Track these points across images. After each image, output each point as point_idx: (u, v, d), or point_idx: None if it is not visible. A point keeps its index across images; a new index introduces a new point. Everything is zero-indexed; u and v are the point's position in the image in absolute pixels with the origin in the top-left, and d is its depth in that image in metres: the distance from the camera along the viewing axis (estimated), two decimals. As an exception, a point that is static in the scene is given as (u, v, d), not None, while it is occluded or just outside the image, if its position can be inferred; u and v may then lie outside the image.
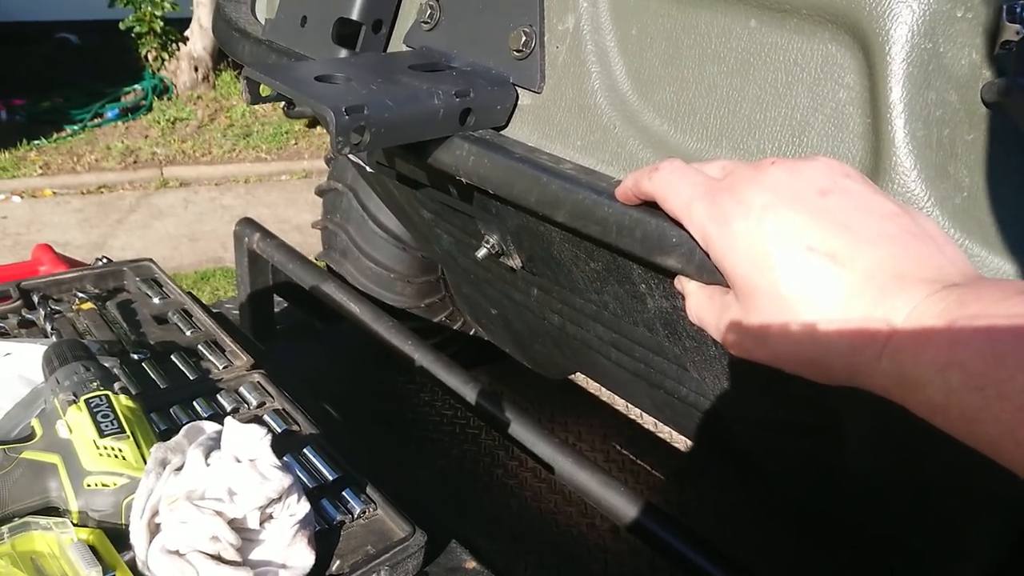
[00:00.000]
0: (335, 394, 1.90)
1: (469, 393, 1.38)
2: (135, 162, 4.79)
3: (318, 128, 5.35)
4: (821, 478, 1.17)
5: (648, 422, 1.98)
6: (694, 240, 0.54)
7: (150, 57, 5.57)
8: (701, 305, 0.57)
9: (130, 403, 0.85)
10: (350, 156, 0.78)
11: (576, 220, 0.67)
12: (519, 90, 0.79)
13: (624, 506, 1.13)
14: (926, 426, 0.44)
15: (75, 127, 5.12)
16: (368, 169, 0.77)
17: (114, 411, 0.82)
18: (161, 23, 5.38)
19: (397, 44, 0.93)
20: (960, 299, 0.42)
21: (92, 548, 0.73)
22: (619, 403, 2.04)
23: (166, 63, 5.60)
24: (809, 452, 1.07)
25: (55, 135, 5.02)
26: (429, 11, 0.86)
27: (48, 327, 1.02)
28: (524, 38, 0.77)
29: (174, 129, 5.21)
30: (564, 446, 1.25)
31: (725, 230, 0.51)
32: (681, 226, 0.55)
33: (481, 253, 0.96)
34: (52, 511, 0.78)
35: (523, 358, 1.65)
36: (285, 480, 0.75)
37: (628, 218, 0.63)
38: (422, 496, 1.53)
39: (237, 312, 1.94)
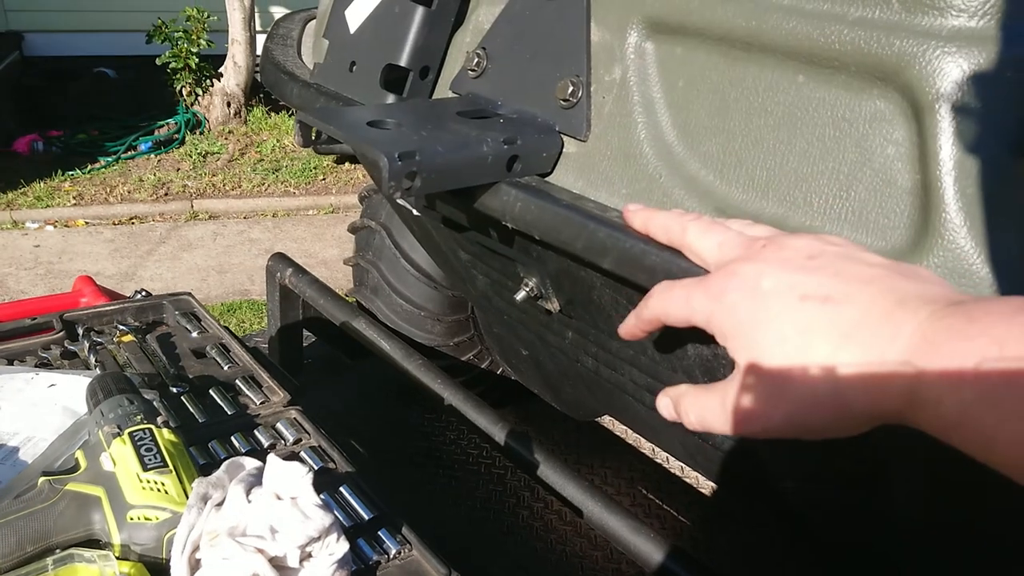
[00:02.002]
0: (361, 430, 1.90)
1: (498, 433, 1.39)
2: (166, 194, 4.88)
3: (346, 164, 5.42)
4: (857, 525, 1.16)
5: (675, 466, 1.96)
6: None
7: (184, 92, 5.68)
8: (701, 405, 0.56)
9: (172, 437, 0.86)
10: (396, 199, 0.80)
11: (623, 267, 0.68)
12: (565, 138, 0.80)
13: (653, 552, 1.12)
14: (978, 474, 0.44)
15: (109, 159, 5.22)
16: (414, 212, 0.79)
17: (157, 445, 0.84)
18: (196, 59, 5.50)
19: (443, 90, 0.95)
20: (968, 314, 0.42)
21: (133, 582, 0.73)
22: (645, 447, 2.03)
23: (200, 98, 5.71)
24: (847, 500, 1.05)
25: (89, 166, 5.12)
26: (476, 59, 0.89)
27: (92, 359, 1.03)
28: (571, 88, 0.79)
29: (205, 162, 5.30)
30: (593, 489, 1.25)
31: (724, 301, 0.53)
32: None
33: (520, 296, 0.97)
34: (93, 543, 0.79)
35: (552, 399, 1.65)
36: (326, 519, 0.75)
37: (676, 267, 0.64)
38: (448, 536, 1.53)
39: (266, 345, 1.96)
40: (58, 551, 0.77)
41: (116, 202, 4.76)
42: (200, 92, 5.69)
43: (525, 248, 0.92)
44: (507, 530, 1.75)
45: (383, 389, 2.11)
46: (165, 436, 0.85)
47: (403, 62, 0.92)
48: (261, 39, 5.96)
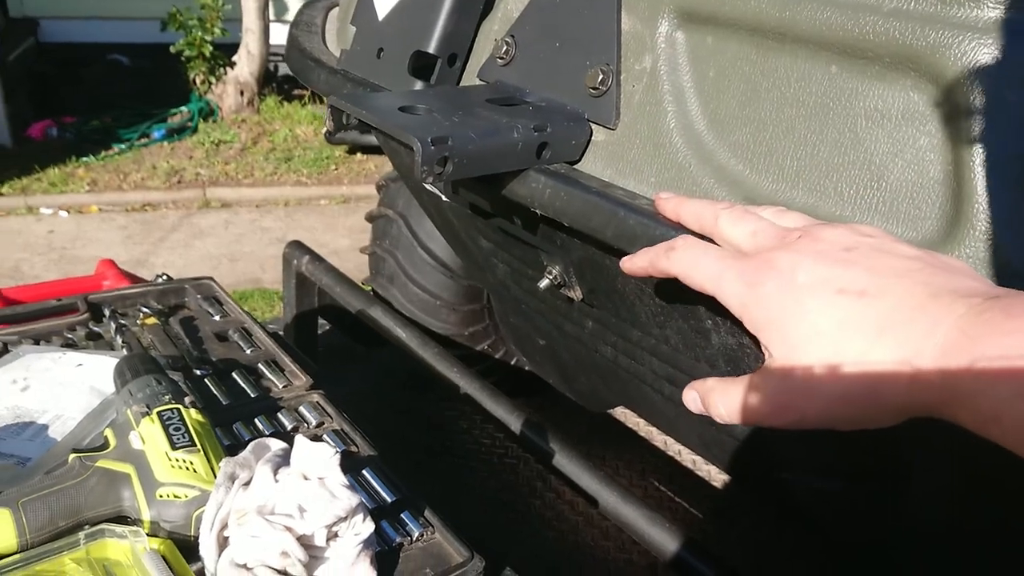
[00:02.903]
0: (373, 418, 1.91)
1: (514, 423, 1.40)
2: (179, 182, 4.89)
3: (358, 155, 5.43)
4: (872, 522, 1.17)
5: (687, 459, 1.97)
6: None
7: (198, 80, 5.70)
8: (732, 398, 0.56)
9: (200, 417, 0.87)
10: (427, 185, 0.80)
11: (653, 255, 0.68)
12: (594, 126, 0.81)
13: (667, 542, 1.13)
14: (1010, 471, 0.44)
15: (123, 146, 5.24)
16: (443, 199, 0.79)
17: (185, 424, 0.85)
18: (210, 48, 5.52)
19: (470, 78, 0.96)
20: (1006, 309, 0.42)
21: (163, 558, 0.74)
22: (658, 439, 2.03)
23: (213, 87, 5.73)
24: (863, 498, 1.06)
25: (103, 153, 5.14)
26: (505, 47, 0.89)
27: (119, 340, 1.04)
28: (601, 76, 0.79)
29: (218, 151, 5.31)
30: (608, 479, 1.26)
31: (759, 292, 0.53)
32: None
33: (543, 284, 0.98)
34: (122, 519, 0.80)
35: (567, 390, 1.66)
36: (353, 500, 0.76)
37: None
38: (460, 525, 1.54)
39: (281, 332, 1.97)
40: (88, 527, 0.78)
41: (129, 189, 4.78)
42: (213, 80, 5.70)
43: (549, 236, 0.93)
44: (520, 520, 1.76)
45: (396, 377, 2.12)
46: (193, 416, 0.86)
47: (431, 49, 0.92)
48: (275, 28, 5.97)
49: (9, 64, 5.10)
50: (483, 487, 1.84)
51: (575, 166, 0.82)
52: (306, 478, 0.78)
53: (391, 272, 1.82)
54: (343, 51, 1.05)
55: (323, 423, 1.03)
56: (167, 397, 0.88)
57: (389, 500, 0.91)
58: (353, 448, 0.99)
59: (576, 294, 0.99)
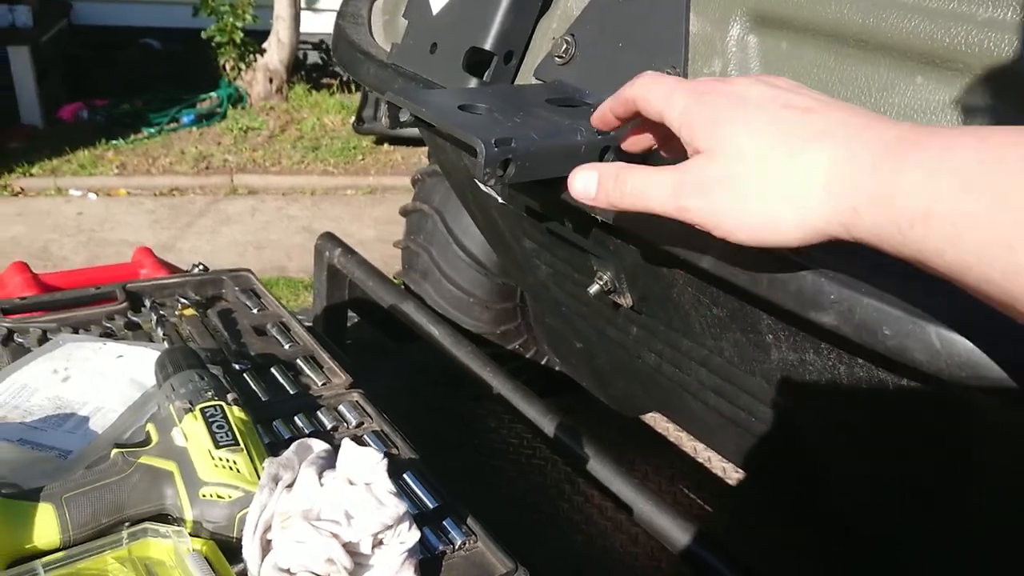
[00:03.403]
0: (400, 414, 1.90)
1: (547, 426, 1.38)
2: (207, 168, 4.90)
3: (384, 145, 5.42)
4: (920, 541, 1.14)
5: (716, 466, 1.94)
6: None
7: (227, 67, 5.71)
8: (647, 179, 0.57)
9: (242, 415, 0.86)
10: (482, 185, 0.78)
11: (723, 268, 0.66)
12: (658, 131, 0.78)
13: (702, 552, 1.11)
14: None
15: (152, 130, 5.26)
16: (499, 200, 0.77)
17: (228, 422, 0.83)
18: (241, 34, 5.52)
19: (525, 76, 0.93)
20: (952, 129, 0.43)
21: (206, 559, 0.73)
22: (687, 444, 2.01)
23: (242, 73, 5.74)
24: (915, 516, 1.03)
25: (132, 136, 5.16)
26: (564, 46, 0.87)
27: (160, 332, 1.03)
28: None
29: (246, 138, 5.32)
30: (643, 487, 1.24)
31: (706, 99, 0.53)
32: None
33: (593, 289, 0.96)
34: (162, 517, 0.79)
35: (600, 393, 1.64)
36: (400, 507, 0.74)
37: (782, 270, 0.62)
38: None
39: (311, 324, 1.96)
40: (128, 524, 0.77)
41: (158, 173, 4.80)
42: (243, 67, 5.71)
43: (602, 241, 0.91)
44: (546, 522, 1.74)
45: (429, 374, 2.10)
46: (235, 413, 0.85)
47: (488, 46, 0.90)
48: (305, 16, 5.97)
49: (42, 45, 5.13)
50: (510, 487, 1.82)
51: (635, 170, 0.79)
52: (352, 483, 0.77)
53: (425, 268, 1.80)
54: (394, 45, 1.03)
55: (363, 423, 1.01)
56: (210, 393, 0.86)
57: (431, 506, 0.89)
58: (394, 450, 0.98)
59: (626, 301, 0.97)
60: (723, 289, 0.76)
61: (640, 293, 0.94)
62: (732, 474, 1.91)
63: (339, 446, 0.85)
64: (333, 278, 1.91)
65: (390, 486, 0.76)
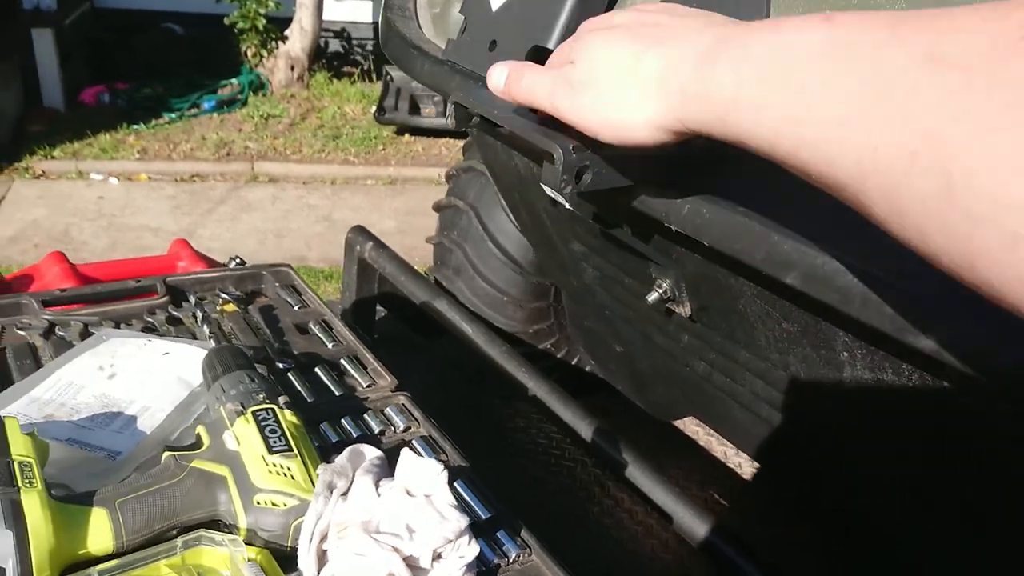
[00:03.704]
0: (440, 412, 1.88)
1: (584, 429, 1.36)
2: (228, 154, 4.89)
3: (405, 136, 5.40)
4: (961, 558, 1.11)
5: (746, 472, 1.92)
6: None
7: (249, 53, 5.69)
8: (536, 78, 0.65)
9: (294, 419, 0.84)
10: (549, 190, 0.76)
11: (810, 285, 0.63)
12: (734, 138, 0.76)
13: (745, 566, 1.09)
14: None
15: (173, 115, 5.26)
16: (566, 205, 0.74)
17: (281, 427, 0.81)
18: (264, 21, 5.50)
19: (588, 76, 0.91)
20: (759, 24, 0.48)
21: (262, 569, 0.71)
22: (717, 449, 1.98)
23: (264, 60, 5.72)
24: (963, 537, 1.00)
25: (153, 121, 5.16)
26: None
27: (205, 330, 1.01)
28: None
29: (267, 125, 5.31)
30: (685, 495, 1.21)
31: (582, 27, 0.65)
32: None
33: (651, 297, 0.93)
34: (212, 523, 0.77)
35: (636, 397, 1.62)
36: (462, 521, 0.72)
37: (880, 292, 0.59)
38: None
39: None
40: (181, 531, 0.75)
41: (179, 159, 4.79)
42: (265, 54, 5.69)
43: (665, 249, 0.88)
44: (576, 525, 1.72)
45: (453, 371, 2.08)
46: (288, 417, 0.83)
47: (552, 44, 0.87)
48: (328, 4, 5.94)
49: (65, 29, 5.12)
50: (538, 488, 1.80)
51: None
52: (410, 494, 0.75)
53: (458, 264, 1.78)
54: (449, 41, 1.01)
55: (410, 427, 0.99)
56: (261, 396, 0.84)
57: (483, 517, 0.87)
58: (443, 457, 0.95)
59: (684, 310, 0.94)
60: (800, 304, 0.74)
61: (700, 303, 0.91)
62: (763, 480, 1.89)
63: (388, 451, 0.83)
64: (363, 272, 1.89)
65: (451, 499, 0.74)
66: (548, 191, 0.77)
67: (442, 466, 0.75)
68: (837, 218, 0.62)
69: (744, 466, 1.92)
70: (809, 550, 1.70)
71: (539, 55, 0.90)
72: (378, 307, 1.94)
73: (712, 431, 2.06)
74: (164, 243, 4.02)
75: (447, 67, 0.97)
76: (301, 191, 4.73)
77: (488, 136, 1.12)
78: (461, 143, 5.52)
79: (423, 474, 0.75)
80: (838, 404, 0.85)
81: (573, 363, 1.92)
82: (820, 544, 1.68)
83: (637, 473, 1.26)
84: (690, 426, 2.01)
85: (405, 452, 0.77)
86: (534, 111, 0.73)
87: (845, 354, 0.76)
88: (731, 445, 1.99)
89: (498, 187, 1.36)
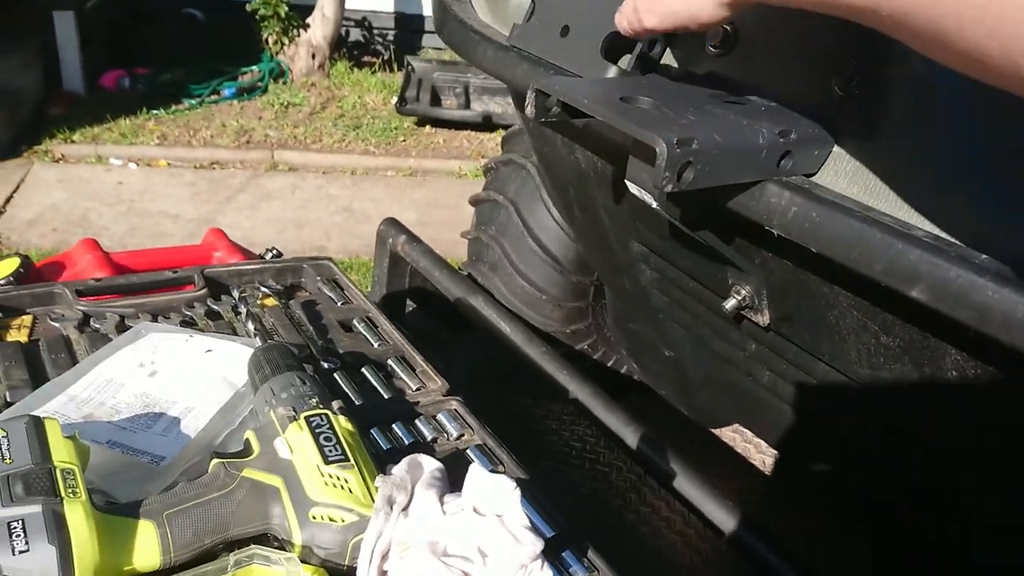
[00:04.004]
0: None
1: (630, 437, 1.30)
2: (248, 142, 4.84)
3: (426, 128, 5.33)
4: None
5: (787, 483, 1.86)
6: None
7: (270, 40, 5.63)
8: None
9: (349, 426, 0.78)
10: (634, 188, 0.70)
11: (940, 300, 0.57)
12: (839, 134, 0.69)
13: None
14: None
15: (193, 102, 5.21)
16: (653, 204, 0.69)
17: (336, 435, 0.76)
18: (286, 8, 5.44)
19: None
20: None
21: (319, 591, 0.66)
22: (755, 457, 1.92)
23: (285, 48, 5.66)
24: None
25: (173, 107, 5.11)
26: (722, 34, 0.78)
27: (251, 327, 0.96)
28: (857, 77, 0.68)
29: (287, 113, 5.25)
30: (736, 510, 1.16)
31: None
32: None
33: (729, 304, 0.87)
34: (262, 538, 0.72)
35: (680, 402, 1.56)
36: (538, 545, 0.66)
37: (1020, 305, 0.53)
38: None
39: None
40: (231, 546, 0.70)
41: (199, 146, 4.74)
42: (286, 41, 5.63)
43: (749, 253, 0.82)
44: (612, 532, 1.66)
45: (482, 368, 2.03)
46: (343, 424, 0.78)
47: (632, 31, 0.81)
48: (351, -8, 5.87)
49: (87, 12, 5.08)
50: (572, 494, 1.74)
51: (810, 179, 0.70)
52: (480, 513, 0.69)
53: (495, 260, 1.72)
54: (514, 26, 0.95)
55: (463, 435, 0.93)
56: (314, 400, 0.79)
57: (547, 535, 0.81)
58: (500, 468, 0.90)
59: (762, 318, 0.88)
60: (911, 319, 0.68)
61: (782, 312, 0.85)
62: (810, 494, 1.82)
63: (443, 460, 0.78)
64: (395, 265, 1.83)
65: (525, 520, 0.68)
66: (633, 189, 0.71)
67: (514, 483, 0.70)
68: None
69: (784, 476, 1.86)
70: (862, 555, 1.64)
71: (616, 43, 0.84)
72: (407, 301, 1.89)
73: (749, 439, 2.00)
74: (183, 230, 3.98)
75: (513, 53, 0.91)
76: (321, 181, 4.67)
77: (550, 129, 1.06)
78: (483, 136, 5.45)
79: (493, 491, 0.69)
80: (938, 423, 0.79)
81: (609, 365, 1.87)
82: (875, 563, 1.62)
83: (683, 482, 1.20)
84: (727, 432, 1.95)
85: (474, 467, 0.71)
86: (626, 99, 0.67)
87: (954, 373, 0.70)
88: (769, 453, 1.93)
89: (549, 182, 1.30)
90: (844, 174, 0.69)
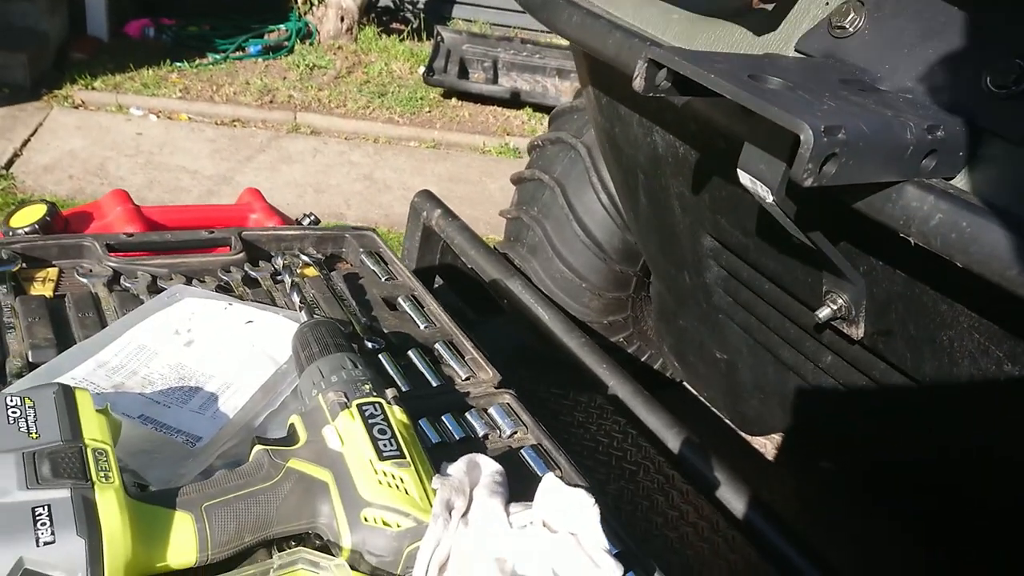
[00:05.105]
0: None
1: (672, 440, 1.24)
2: (271, 102, 4.75)
3: (452, 100, 5.23)
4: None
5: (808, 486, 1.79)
6: None
7: (299, 1, 5.53)
8: None
9: (404, 418, 0.71)
10: (745, 179, 0.62)
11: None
12: (990, 135, 0.61)
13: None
14: None
15: (218, 56, 5.11)
16: (769, 199, 0.61)
17: (391, 427, 0.68)
18: (318, -33, 5.34)
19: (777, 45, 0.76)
20: None
21: (370, 604, 0.59)
22: (786, 466, 1.85)
23: (314, 8, 5.55)
24: None
25: (197, 61, 5.01)
26: (851, 15, 0.69)
27: (296, 299, 0.88)
28: (1015, 73, 0.60)
29: (312, 75, 5.16)
30: (778, 520, 1.09)
31: None
32: None
33: (823, 313, 0.80)
34: (305, 536, 0.65)
35: (725, 406, 1.48)
36: (617, 571, 0.59)
37: None
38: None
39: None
40: (275, 548, 0.63)
41: (221, 102, 4.65)
42: (315, 2, 5.53)
43: (855, 260, 0.74)
44: (640, 535, 1.59)
45: (507, 352, 1.95)
46: (397, 416, 0.70)
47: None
48: (385, -45, 5.75)
49: (115, -44, 4.97)
50: (600, 493, 1.66)
51: (952, 182, 0.63)
52: (549, 528, 0.62)
53: (535, 242, 1.64)
54: (604, -10, 0.86)
55: (516, 432, 0.86)
56: (367, 387, 0.72)
57: (612, 551, 0.74)
58: (557, 473, 0.83)
59: (857, 332, 0.80)
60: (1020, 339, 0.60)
61: (883, 326, 0.77)
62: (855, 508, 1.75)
63: (496, 459, 0.71)
64: (427, 240, 1.76)
65: (604, 541, 0.61)
66: (745, 180, 0.63)
67: (593, 499, 0.62)
68: None
69: (823, 488, 1.79)
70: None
71: None
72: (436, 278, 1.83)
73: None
74: (202, 186, 3.90)
75: (604, 21, 0.83)
76: (343, 146, 4.59)
77: (627, 107, 0.98)
78: (508, 112, 5.33)
79: (569, 506, 0.62)
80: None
81: (642, 360, 1.79)
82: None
83: (726, 492, 1.14)
84: (758, 439, 1.87)
85: (549, 478, 0.64)
86: (754, 76, 0.59)
87: None
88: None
89: (614, 165, 1.22)
90: (993, 178, 0.61)
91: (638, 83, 0.63)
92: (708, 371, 1.39)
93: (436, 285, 1.89)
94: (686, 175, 0.93)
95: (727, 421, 1.60)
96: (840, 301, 0.79)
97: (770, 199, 0.62)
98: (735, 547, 1.61)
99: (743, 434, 1.80)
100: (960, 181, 0.62)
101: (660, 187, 1.01)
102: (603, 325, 1.68)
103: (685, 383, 1.77)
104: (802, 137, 0.51)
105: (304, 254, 1.06)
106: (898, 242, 0.61)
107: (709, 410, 1.72)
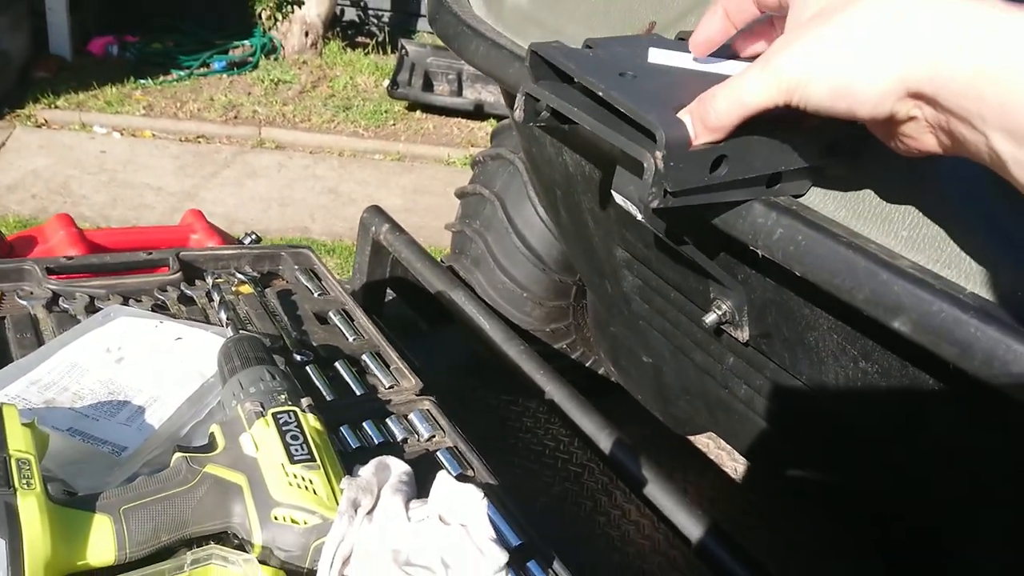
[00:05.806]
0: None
1: (604, 441, 1.29)
2: (235, 117, 4.79)
3: (417, 112, 5.29)
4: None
5: (760, 487, 1.86)
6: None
7: (264, 15, 5.57)
8: (741, 81, 0.54)
9: (318, 425, 0.77)
10: (618, 198, 0.68)
11: (922, 334, 0.56)
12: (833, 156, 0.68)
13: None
14: None
15: (182, 73, 5.14)
16: (638, 217, 0.67)
17: (303, 433, 0.74)
18: (281, -17, 5.38)
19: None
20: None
21: (277, 594, 0.65)
22: (728, 464, 1.92)
23: (278, 23, 5.60)
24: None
25: (161, 78, 5.04)
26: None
27: (223, 316, 0.94)
28: (850, 100, 0.66)
29: (276, 90, 5.20)
30: (704, 518, 1.15)
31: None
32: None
33: (710, 319, 0.86)
34: (221, 536, 0.70)
35: (656, 408, 1.55)
36: (502, 558, 0.65)
37: (1005, 349, 0.52)
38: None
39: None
40: (189, 545, 0.68)
41: (185, 118, 4.68)
42: (279, 17, 5.57)
43: (732, 269, 0.81)
44: (581, 534, 1.65)
45: (458, 362, 2.01)
46: (311, 423, 0.76)
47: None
48: (348, -29, 5.81)
49: (77, -26, 4.99)
50: (544, 493, 1.73)
51: (798, 200, 0.69)
52: (444, 521, 0.68)
53: (477, 255, 1.71)
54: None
55: (434, 436, 0.92)
56: (283, 396, 0.77)
57: (512, 544, 0.80)
58: (469, 472, 0.89)
59: (742, 334, 0.87)
60: (892, 348, 0.67)
61: (762, 329, 0.84)
62: (783, 504, 1.82)
63: (412, 462, 0.77)
64: (376, 254, 1.81)
65: (491, 531, 0.67)
66: (619, 199, 0.70)
67: (482, 493, 0.68)
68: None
69: (758, 482, 1.86)
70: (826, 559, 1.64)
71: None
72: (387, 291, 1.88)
73: (723, 447, 2.00)
74: (166, 203, 3.92)
75: (506, 52, 0.90)
76: (308, 160, 4.63)
77: (539, 131, 1.05)
78: (473, 124, 5.41)
79: (460, 501, 0.68)
80: (910, 448, 0.79)
81: (587, 365, 1.86)
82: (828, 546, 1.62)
83: (655, 490, 1.19)
84: (700, 439, 1.95)
85: (442, 475, 0.70)
86: (615, 111, 0.66)
87: (932, 402, 0.69)
88: (741, 461, 1.93)
89: (536, 181, 1.28)
90: (833, 197, 0.68)
91: (518, 114, 0.69)
92: (639, 375, 1.45)
93: (388, 298, 1.94)
94: (593, 192, 0.99)
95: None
96: (724, 307, 0.85)
97: (640, 217, 0.68)
98: (674, 543, 1.68)
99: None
100: (807, 199, 0.69)
101: (575, 203, 1.08)
102: (546, 333, 1.74)
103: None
104: (645, 166, 0.57)
105: (240, 272, 1.11)
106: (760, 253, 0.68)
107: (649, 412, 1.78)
